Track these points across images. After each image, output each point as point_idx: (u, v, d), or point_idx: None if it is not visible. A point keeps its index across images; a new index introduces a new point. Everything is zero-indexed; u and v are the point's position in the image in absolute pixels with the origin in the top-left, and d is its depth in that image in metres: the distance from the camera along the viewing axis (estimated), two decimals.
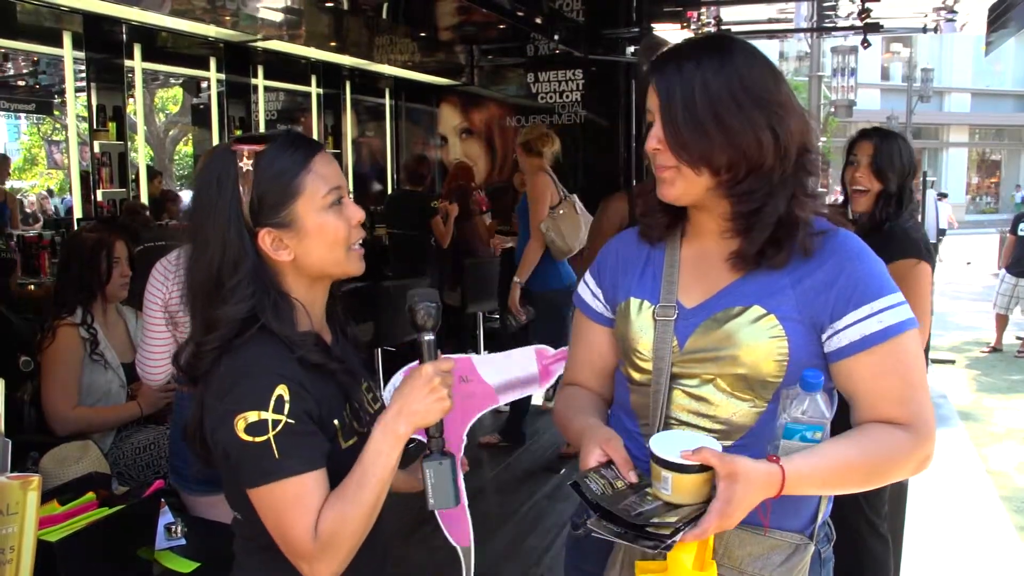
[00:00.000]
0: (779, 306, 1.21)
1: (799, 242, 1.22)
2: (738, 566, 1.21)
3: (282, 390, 1.14)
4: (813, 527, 1.27)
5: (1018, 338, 8.11)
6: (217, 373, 1.17)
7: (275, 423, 1.12)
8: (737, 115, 1.18)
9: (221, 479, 1.31)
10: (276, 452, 1.12)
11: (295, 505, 1.14)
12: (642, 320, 1.31)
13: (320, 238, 1.22)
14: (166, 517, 2.02)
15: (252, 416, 1.12)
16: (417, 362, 1.21)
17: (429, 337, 1.20)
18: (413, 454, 1.27)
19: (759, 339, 1.20)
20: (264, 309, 1.19)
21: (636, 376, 1.33)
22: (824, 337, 1.21)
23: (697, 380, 1.26)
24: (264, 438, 1.11)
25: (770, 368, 1.20)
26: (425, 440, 1.23)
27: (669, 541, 1.07)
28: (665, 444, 1.14)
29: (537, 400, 5.22)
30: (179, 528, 2.00)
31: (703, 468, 1.09)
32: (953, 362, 7.64)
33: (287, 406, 1.13)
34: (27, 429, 2.76)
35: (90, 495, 1.83)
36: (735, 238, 1.25)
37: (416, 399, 1.16)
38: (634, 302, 1.33)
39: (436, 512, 1.21)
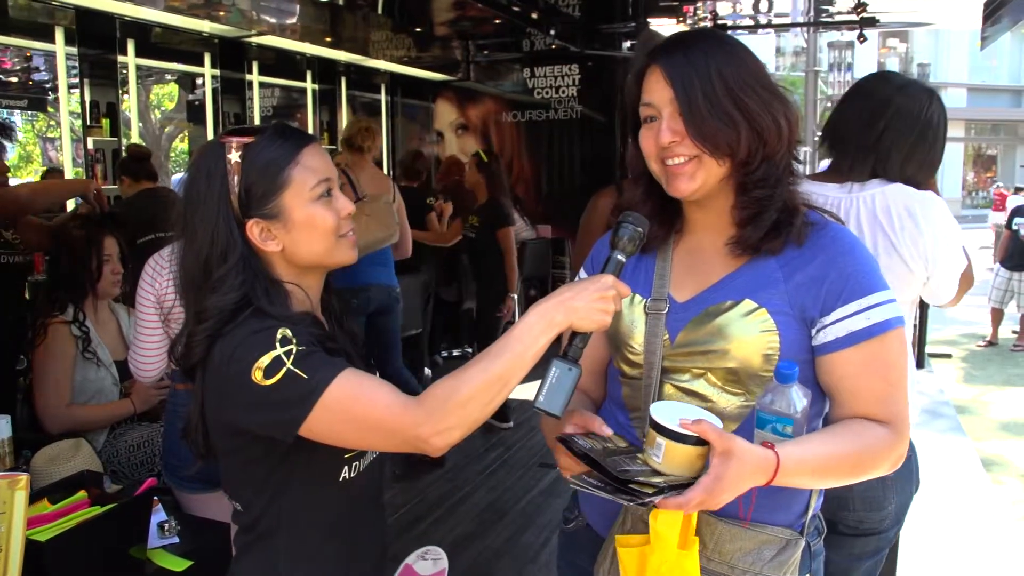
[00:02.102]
0: (770, 300, 1.21)
1: (794, 230, 1.22)
2: (729, 561, 1.21)
3: (283, 332, 1.14)
4: (803, 521, 1.27)
5: (1014, 332, 8.13)
6: (213, 356, 1.17)
7: (287, 354, 1.12)
8: (756, 100, 1.19)
9: (215, 477, 1.31)
10: (303, 374, 1.11)
11: (357, 398, 1.12)
12: (633, 314, 1.31)
13: (308, 230, 1.22)
14: (159, 515, 2.01)
15: (264, 360, 1.11)
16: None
17: (621, 257, 1.17)
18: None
19: (750, 333, 1.20)
20: (256, 296, 1.19)
21: (627, 370, 1.32)
22: (813, 332, 1.21)
23: (688, 375, 1.25)
24: (283, 370, 1.11)
25: (760, 362, 1.20)
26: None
27: (648, 499, 1.06)
28: (666, 412, 1.13)
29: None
30: (172, 526, 1.99)
31: (699, 442, 1.08)
32: (950, 356, 7.65)
33: (293, 340, 1.13)
34: (19, 427, 2.75)
35: (82, 494, 1.82)
36: (733, 228, 1.25)
37: (584, 298, 1.12)
38: None
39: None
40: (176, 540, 1.97)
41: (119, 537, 1.79)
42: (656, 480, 1.08)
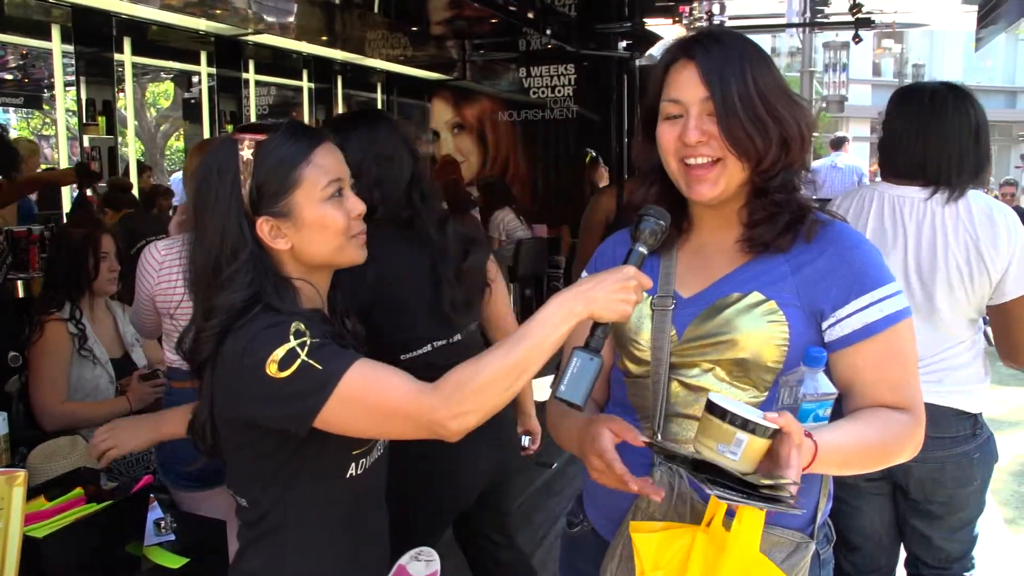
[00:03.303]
0: (779, 292, 1.21)
1: (804, 228, 1.23)
2: None
3: (297, 325, 1.14)
4: (813, 526, 1.27)
5: None
6: (224, 351, 1.17)
7: (302, 345, 1.12)
8: (786, 108, 1.19)
9: (210, 475, 1.31)
10: (318, 365, 1.11)
11: (372, 385, 1.13)
12: (640, 310, 1.30)
13: (318, 229, 1.22)
14: (155, 512, 2.01)
15: (279, 353, 1.11)
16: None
17: (642, 249, 1.16)
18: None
19: (759, 325, 1.20)
20: (266, 293, 1.19)
21: (634, 368, 1.32)
22: (825, 326, 1.21)
23: (697, 370, 1.25)
24: (298, 362, 1.11)
25: (771, 354, 1.20)
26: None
27: (794, 503, 1.00)
28: (738, 407, 1.06)
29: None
30: (168, 523, 1.99)
31: (773, 435, 1.03)
32: None
33: (307, 332, 1.14)
34: (15, 424, 2.75)
35: (78, 490, 1.82)
36: (741, 227, 1.25)
37: (604, 288, 1.11)
38: None
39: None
40: (172, 537, 1.97)
41: (115, 534, 1.79)
42: (767, 481, 1.03)
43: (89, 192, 5.77)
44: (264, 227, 1.21)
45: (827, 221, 1.26)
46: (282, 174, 1.20)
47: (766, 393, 1.22)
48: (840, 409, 1.25)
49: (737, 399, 1.21)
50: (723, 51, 1.19)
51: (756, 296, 1.22)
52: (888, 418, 1.19)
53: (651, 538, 1.17)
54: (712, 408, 1.05)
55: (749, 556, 1.08)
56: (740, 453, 1.03)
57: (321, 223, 1.22)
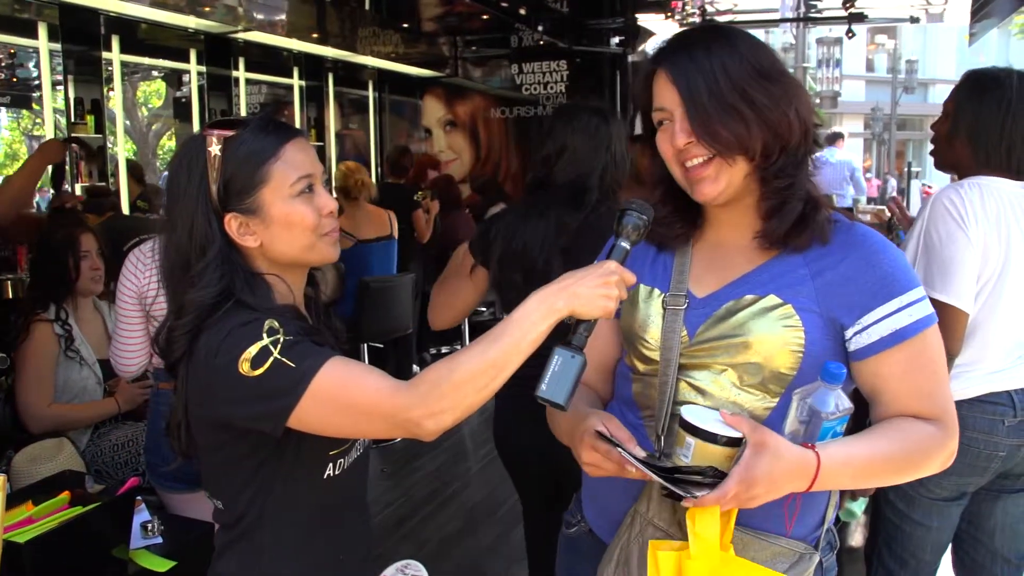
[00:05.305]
0: (796, 296, 1.17)
1: (818, 224, 1.19)
2: None
3: (271, 322, 1.13)
4: (818, 534, 1.24)
5: None
6: (198, 349, 1.15)
7: (275, 343, 1.10)
8: (763, 93, 1.16)
9: (198, 476, 1.30)
10: (291, 363, 1.09)
11: (346, 383, 1.11)
12: (650, 308, 1.27)
13: (286, 227, 1.20)
14: (142, 515, 1.99)
15: (252, 351, 1.09)
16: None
17: (625, 244, 1.14)
18: None
19: (773, 329, 1.16)
20: (237, 288, 1.18)
21: (641, 366, 1.29)
22: (849, 334, 1.17)
23: (706, 372, 1.21)
24: (271, 360, 1.09)
25: (785, 360, 1.16)
26: None
27: (699, 493, 1.02)
28: (697, 414, 1.09)
29: None
30: (155, 526, 1.96)
31: (730, 443, 1.04)
32: None
33: (280, 330, 1.12)
34: (2, 427, 2.72)
35: (64, 495, 1.80)
36: (759, 222, 1.22)
37: (586, 284, 1.08)
38: (643, 289, 1.29)
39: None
40: (159, 540, 1.94)
41: (101, 537, 1.77)
42: (695, 478, 1.04)
43: (79, 191, 5.72)
44: (232, 224, 1.19)
45: (843, 222, 1.22)
46: (249, 170, 1.18)
47: (777, 400, 1.18)
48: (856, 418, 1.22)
49: (748, 402, 1.19)
50: (688, 52, 1.18)
51: (773, 299, 1.18)
52: (912, 428, 1.15)
53: (672, 556, 1.13)
54: (680, 417, 1.10)
55: (715, 558, 1.07)
56: (691, 456, 1.07)
57: (288, 221, 1.20)
